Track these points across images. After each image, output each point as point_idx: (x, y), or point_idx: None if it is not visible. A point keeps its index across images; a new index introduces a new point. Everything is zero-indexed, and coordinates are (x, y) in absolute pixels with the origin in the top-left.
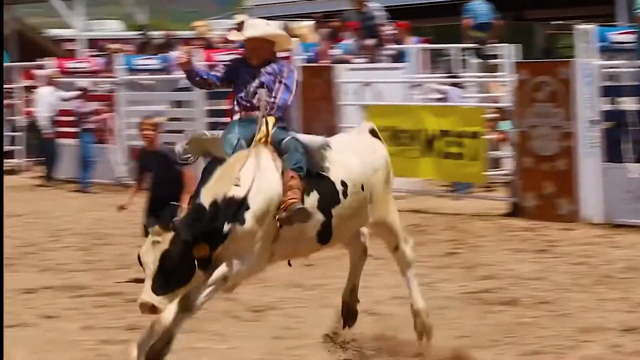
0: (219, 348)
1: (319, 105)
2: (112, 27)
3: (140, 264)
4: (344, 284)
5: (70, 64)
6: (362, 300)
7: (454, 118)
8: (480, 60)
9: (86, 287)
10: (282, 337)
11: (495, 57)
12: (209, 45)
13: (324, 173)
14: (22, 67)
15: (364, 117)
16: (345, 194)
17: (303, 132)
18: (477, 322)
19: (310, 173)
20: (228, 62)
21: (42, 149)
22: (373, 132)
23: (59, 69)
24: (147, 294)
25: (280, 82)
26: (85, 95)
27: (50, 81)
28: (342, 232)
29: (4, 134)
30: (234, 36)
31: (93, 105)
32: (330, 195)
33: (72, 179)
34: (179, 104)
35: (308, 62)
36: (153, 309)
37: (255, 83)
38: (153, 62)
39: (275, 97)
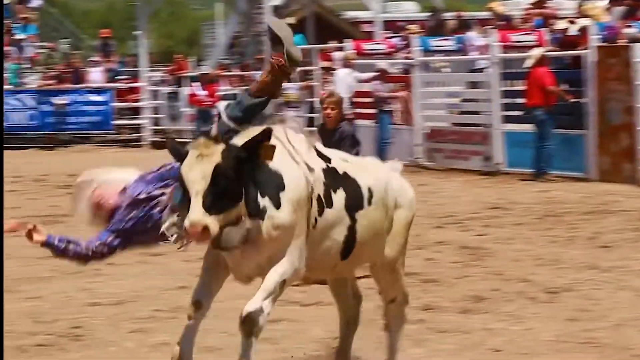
0: (514, 329)
1: (615, 85)
2: (408, 9)
3: (180, 181)
4: None
5: (367, 46)
6: None
7: None
8: None
9: None
10: (578, 319)
11: None
12: (505, 26)
13: (352, 176)
14: (320, 49)
15: None
16: (370, 202)
17: (596, 113)
18: None
19: (337, 172)
20: None
21: None
22: None
23: (356, 51)
24: (198, 213)
25: None
26: (383, 76)
27: (347, 63)
28: (361, 251)
29: (306, 114)
30: None
31: (390, 87)
32: (355, 197)
33: None
34: (474, 84)
35: (603, 42)
36: (205, 232)
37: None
38: (448, 43)
39: None
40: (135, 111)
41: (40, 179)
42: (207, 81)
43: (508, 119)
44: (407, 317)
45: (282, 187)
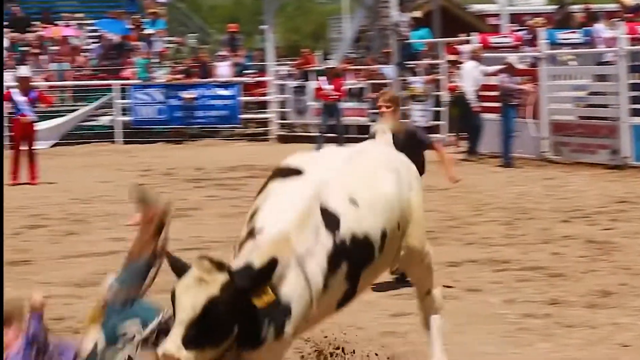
0: None
1: None
2: (534, 2)
3: (172, 301)
4: None
5: (493, 39)
6: None
7: None
8: None
9: (509, 260)
10: None
11: None
12: (633, 18)
13: (361, 234)
14: (446, 42)
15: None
16: (382, 248)
17: None
18: None
19: (345, 243)
20: None
21: (466, 124)
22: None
23: (482, 44)
24: (173, 345)
25: None
26: (509, 70)
27: (474, 56)
28: (366, 284)
29: (432, 108)
30: None
31: (517, 80)
32: (363, 258)
33: (495, 153)
34: (601, 77)
35: None
36: None
37: None
38: (575, 36)
39: None
40: (262, 105)
41: (168, 173)
42: (334, 75)
43: (636, 112)
44: (442, 302)
45: (288, 314)
